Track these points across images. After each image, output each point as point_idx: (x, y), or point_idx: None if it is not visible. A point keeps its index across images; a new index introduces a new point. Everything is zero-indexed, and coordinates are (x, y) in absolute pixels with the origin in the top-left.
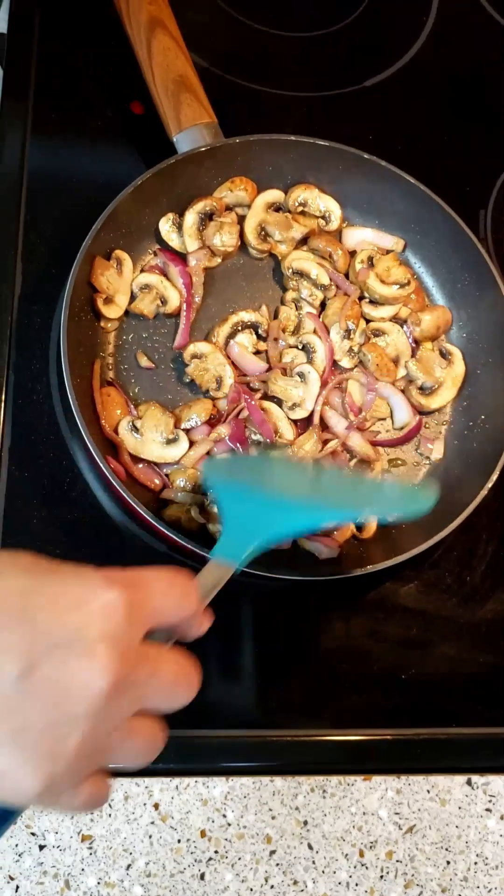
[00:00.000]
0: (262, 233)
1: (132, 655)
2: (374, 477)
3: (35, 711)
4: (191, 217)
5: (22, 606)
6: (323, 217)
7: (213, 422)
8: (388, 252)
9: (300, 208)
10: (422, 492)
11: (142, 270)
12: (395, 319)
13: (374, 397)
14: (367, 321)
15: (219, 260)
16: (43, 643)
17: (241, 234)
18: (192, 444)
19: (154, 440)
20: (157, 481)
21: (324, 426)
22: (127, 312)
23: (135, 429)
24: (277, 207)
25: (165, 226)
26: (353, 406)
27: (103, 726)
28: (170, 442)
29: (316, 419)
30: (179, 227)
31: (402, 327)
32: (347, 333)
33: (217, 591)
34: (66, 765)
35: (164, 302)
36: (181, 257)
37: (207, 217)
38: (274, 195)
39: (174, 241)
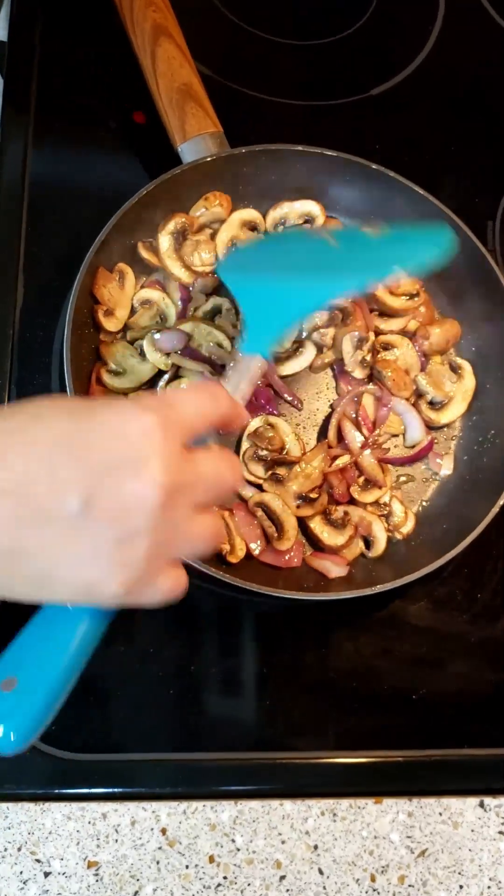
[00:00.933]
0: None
1: (175, 465)
2: (386, 231)
3: (104, 532)
4: (165, 240)
5: (72, 444)
6: (307, 221)
7: None
8: None
9: (281, 228)
10: (437, 232)
11: (142, 286)
12: (404, 333)
13: (388, 412)
14: (377, 334)
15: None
16: (96, 473)
17: None
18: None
19: (132, 365)
20: None
21: (339, 438)
22: (126, 326)
23: (114, 374)
24: (253, 227)
25: (144, 253)
26: (367, 420)
27: (165, 529)
28: (143, 356)
29: (332, 433)
30: (156, 251)
31: (410, 341)
32: (360, 343)
33: (252, 385)
34: (140, 569)
35: (163, 319)
36: None
37: (181, 236)
38: (250, 214)
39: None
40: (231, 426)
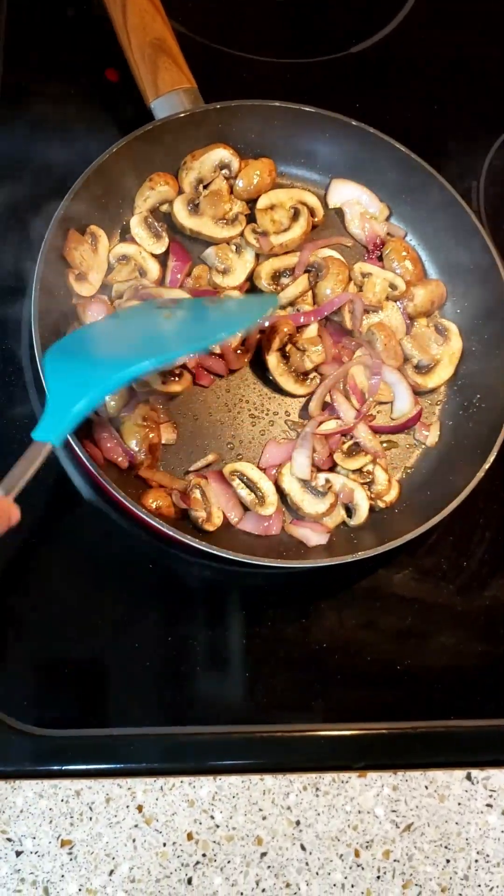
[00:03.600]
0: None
1: None
2: (213, 304)
3: None
4: (140, 231)
5: None
6: (223, 167)
7: None
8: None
9: (202, 188)
10: (260, 301)
11: (122, 240)
12: (389, 297)
13: (378, 381)
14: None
15: None
16: None
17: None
18: None
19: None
20: (120, 459)
21: (324, 406)
22: (103, 285)
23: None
24: (224, 165)
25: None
26: (356, 389)
27: None
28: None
29: (316, 402)
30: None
31: (396, 304)
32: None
33: (26, 481)
34: None
35: (142, 273)
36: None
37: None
38: (222, 154)
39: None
40: None
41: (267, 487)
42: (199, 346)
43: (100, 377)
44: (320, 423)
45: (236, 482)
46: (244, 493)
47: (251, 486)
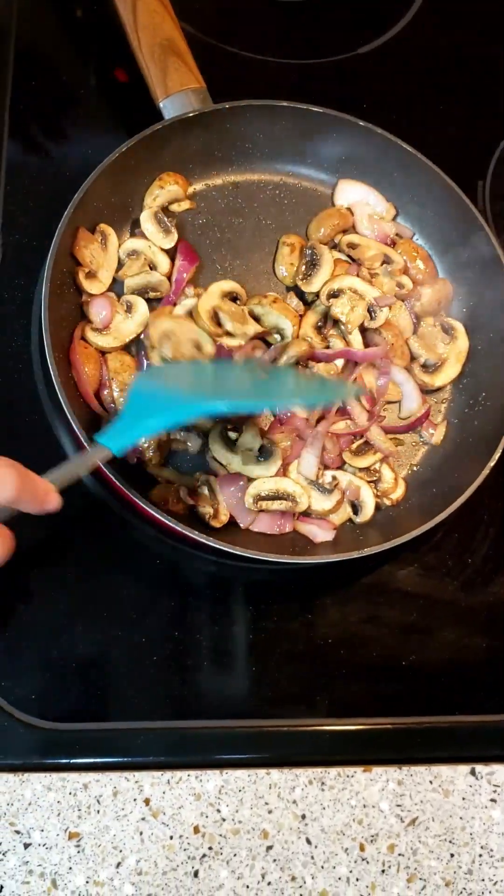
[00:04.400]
0: (216, 318)
1: None
2: (292, 375)
3: None
4: (149, 226)
5: None
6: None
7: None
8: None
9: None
10: (337, 386)
11: (131, 235)
12: (397, 296)
13: (387, 381)
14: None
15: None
16: None
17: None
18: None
19: (116, 323)
20: (128, 455)
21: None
22: (114, 280)
23: (98, 331)
24: (234, 297)
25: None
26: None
27: None
28: (129, 313)
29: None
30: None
31: (403, 303)
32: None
33: (73, 479)
34: None
35: (152, 268)
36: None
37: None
38: (231, 286)
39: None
40: (28, 508)
41: (292, 488)
42: (272, 405)
43: (177, 404)
44: (332, 423)
45: (265, 504)
46: (278, 505)
47: (279, 496)
